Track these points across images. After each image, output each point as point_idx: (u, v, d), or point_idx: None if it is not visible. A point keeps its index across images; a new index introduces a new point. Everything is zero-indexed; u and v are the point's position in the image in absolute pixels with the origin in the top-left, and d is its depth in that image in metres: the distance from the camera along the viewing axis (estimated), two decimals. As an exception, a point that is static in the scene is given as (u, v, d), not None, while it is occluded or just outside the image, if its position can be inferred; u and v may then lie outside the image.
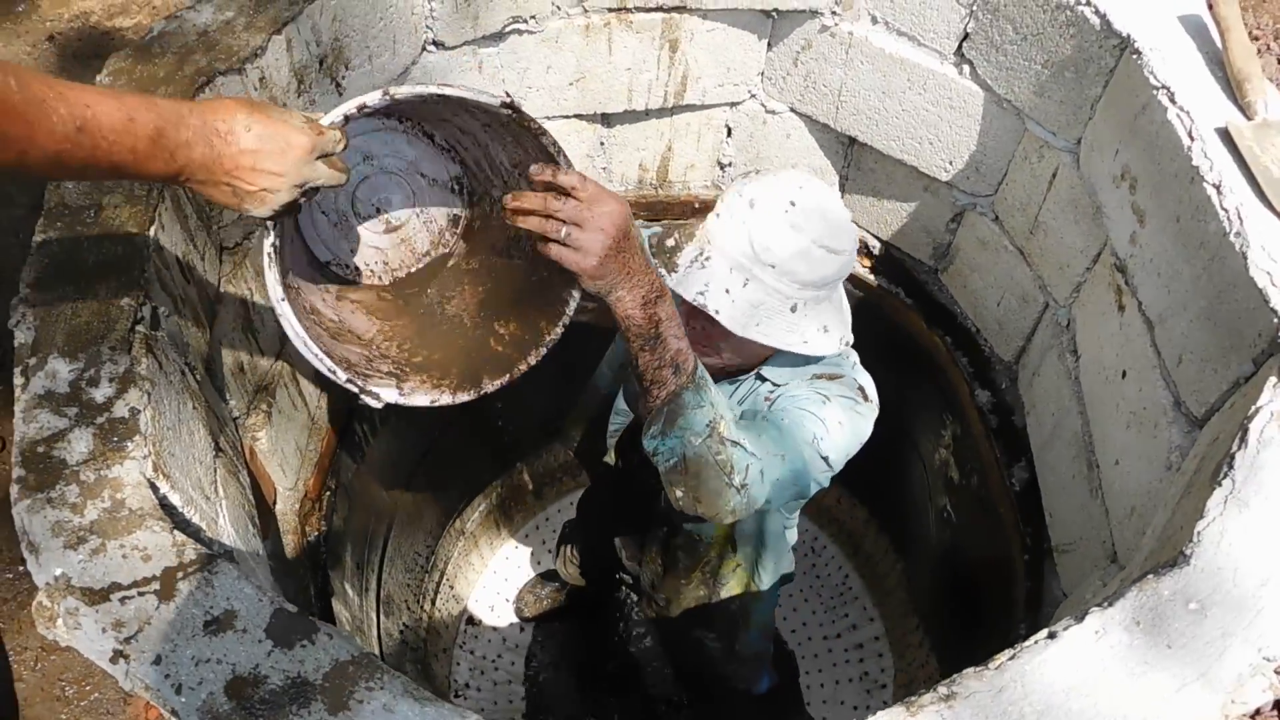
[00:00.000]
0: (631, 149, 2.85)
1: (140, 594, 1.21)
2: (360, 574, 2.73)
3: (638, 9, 2.44)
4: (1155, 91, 1.74)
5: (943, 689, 1.21)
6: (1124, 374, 1.90)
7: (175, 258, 1.63)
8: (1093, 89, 1.97)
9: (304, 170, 1.27)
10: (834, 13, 2.40)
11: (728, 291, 1.63)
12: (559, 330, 1.61)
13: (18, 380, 1.34)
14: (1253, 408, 1.37)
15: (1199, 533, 1.28)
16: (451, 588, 3.47)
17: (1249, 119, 1.68)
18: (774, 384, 1.81)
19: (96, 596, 1.20)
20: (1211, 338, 1.61)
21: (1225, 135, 1.64)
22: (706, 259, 1.66)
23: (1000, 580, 2.51)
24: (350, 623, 2.46)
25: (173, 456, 1.41)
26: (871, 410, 1.81)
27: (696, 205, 2.98)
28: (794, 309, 1.68)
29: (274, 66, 1.83)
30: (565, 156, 1.43)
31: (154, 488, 1.31)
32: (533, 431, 3.59)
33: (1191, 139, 1.65)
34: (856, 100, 2.51)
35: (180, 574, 1.23)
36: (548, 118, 2.64)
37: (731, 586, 2.23)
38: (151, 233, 1.52)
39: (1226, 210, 1.56)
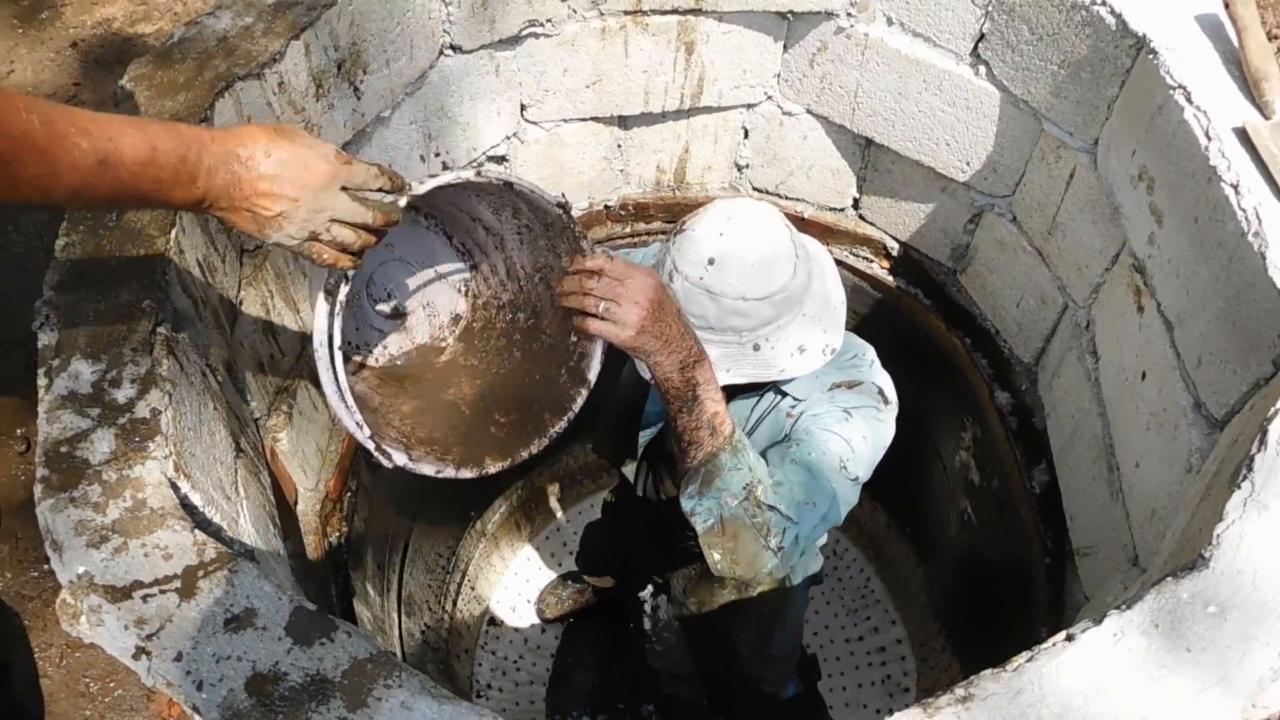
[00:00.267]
0: (649, 151, 2.86)
1: (162, 592, 1.23)
2: (381, 574, 2.75)
3: (653, 11, 2.45)
4: (1172, 91, 1.73)
5: (960, 690, 1.20)
6: (1144, 375, 1.89)
7: (196, 260, 1.65)
8: (1109, 89, 1.96)
9: (321, 197, 1.27)
10: (849, 14, 2.40)
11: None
12: (564, 424, 1.69)
13: (41, 381, 1.36)
14: (1272, 409, 1.36)
15: (1218, 535, 1.27)
16: (473, 589, 3.48)
17: (1266, 118, 1.67)
18: (794, 398, 1.80)
19: (119, 594, 1.22)
20: (1231, 339, 1.60)
21: (1243, 135, 1.63)
22: None
23: (1021, 583, 2.50)
24: (371, 623, 2.48)
25: (193, 457, 1.43)
26: (891, 412, 1.81)
27: (713, 207, 2.98)
28: (756, 348, 1.68)
29: (292, 71, 1.85)
30: (593, 248, 1.51)
31: (175, 487, 1.32)
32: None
33: (1208, 139, 1.64)
34: (873, 101, 2.51)
35: (201, 572, 1.25)
36: (564, 120, 2.66)
37: (763, 588, 2.24)
38: (173, 235, 1.54)
39: (1244, 210, 1.55)
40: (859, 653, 3.46)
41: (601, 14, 2.42)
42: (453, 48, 2.29)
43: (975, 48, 2.23)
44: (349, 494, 2.44)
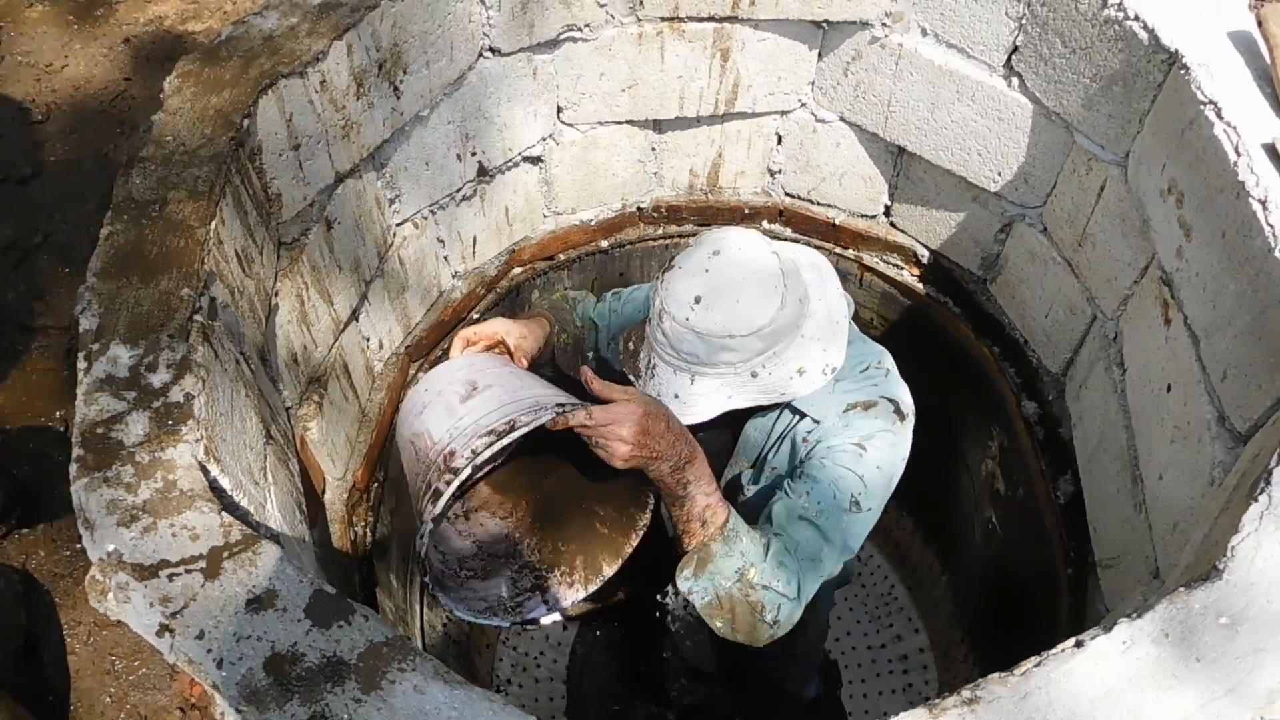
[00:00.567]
0: (682, 155, 2.88)
1: (187, 571, 1.27)
2: (406, 566, 2.79)
3: (690, 18, 2.47)
4: (1203, 106, 1.72)
5: (966, 693, 1.21)
6: (1169, 388, 1.87)
7: (235, 251, 1.70)
8: (1141, 103, 1.96)
9: None
10: (885, 24, 2.41)
11: (677, 396, 1.69)
12: (650, 498, 1.74)
13: (81, 364, 1.42)
14: (1293, 424, 1.35)
15: (1233, 547, 1.27)
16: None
17: (1299, 134, 1.66)
18: (812, 419, 1.81)
19: (146, 573, 1.26)
20: (1256, 353, 1.59)
21: (1272, 151, 1.62)
22: (653, 366, 1.72)
23: (1044, 594, 2.49)
24: (393, 613, 2.52)
25: (224, 441, 1.47)
26: (908, 426, 1.81)
27: (746, 211, 3.00)
28: (754, 375, 1.68)
29: (334, 70, 1.90)
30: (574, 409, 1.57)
31: (205, 470, 1.37)
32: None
33: (1238, 154, 1.63)
34: (906, 111, 2.51)
35: (226, 554, 1.29)
36: (600, 123, 2.69)
37: None
38: (212, 227, 1.59)
39: (1271, 226, 1.54)
40: (881, 660, 3.44)
41: (639, 20, 2.45)
42: (492, 50, 2.33)
43: (1008, 59, 2.23)
44: (376, 485, 2.48)
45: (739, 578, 1.64)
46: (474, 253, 2.72)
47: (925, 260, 2.81)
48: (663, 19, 2.47)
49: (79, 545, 2.17)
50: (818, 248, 2.97)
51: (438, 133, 2.32)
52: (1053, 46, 2.10)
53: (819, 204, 2.92)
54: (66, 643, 2.12)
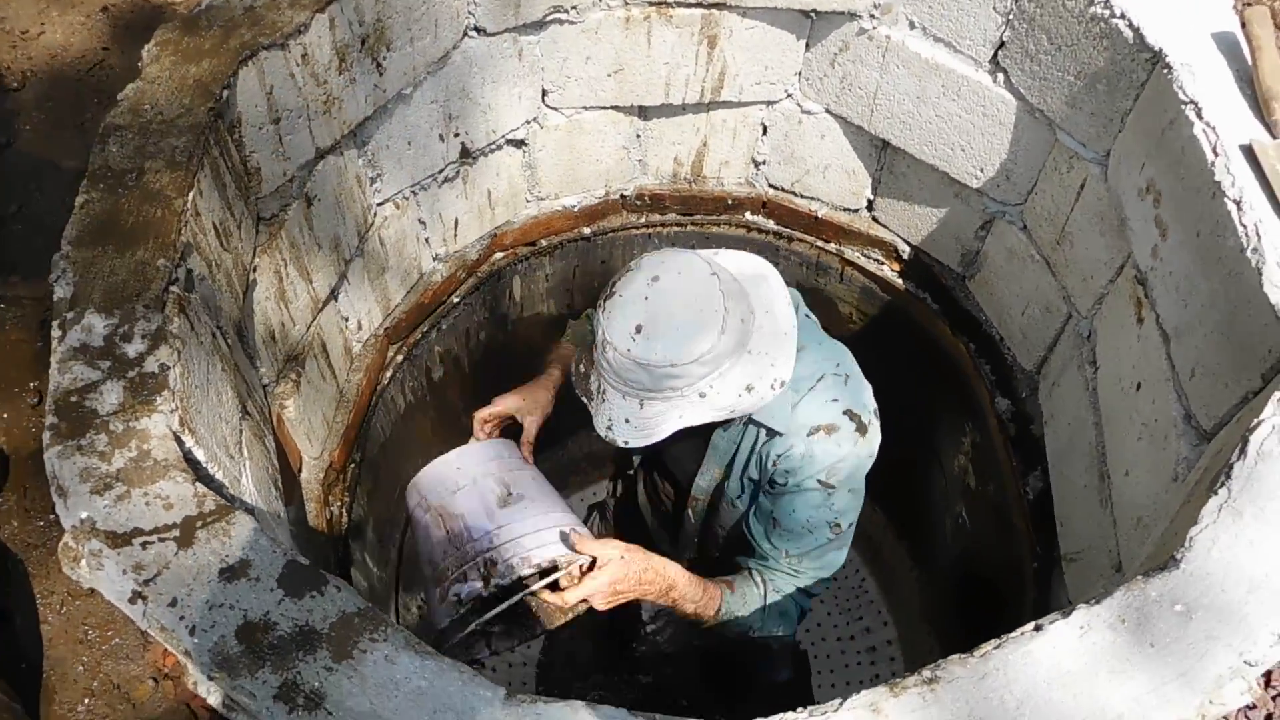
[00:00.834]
0: (667, 143, 2.88)
1: (161, 540, 1.27)
2: (382, 547, 2.79)
3: (678, 4, 2.47)
4: (1184, 106, 1.75)
5: (926, 672, 1.24)
6: (1139, 386, 1.90)
7: (213, 224, 1.70)
8: (1124, 102, 1.98)
9: None
10: (873, 16, 2.42)
11: (628, 421, 1.69)
12: None
13: (55, 333, 1.41)
14: (1255, 420, 1.38)
15: (1191, 538, 1.29)
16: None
17: (1274, 137, 1.68)
18: (771, 430, 1.83)
19: (119, 540, 1.27)
20: (1224, 353, 1.61)
21: (1249, 152, 1.65)
22: (603, 391, 1.71)
23: (1011, 588, 2.52)
24: (367, 593, 2.52)
25: (199, 414, 1.47)
26: (872, 432, 1.84)
27: (729, 202, 3.01)
28: (702, 395, 1.68)
29: (316, 44, 1.89)
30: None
31: (179, 441, 1.37)
32: (560, 418, 3.63)
33: (1216, 154, 1.65)
34: (891, 104, 2.52)
35: (200, 523, 1.29)
36: (585, 108, 2.69)
37: None
38: (190, 198, 1.58)
39: (1245, 226, 1.57)
40: (849, 651, 3.48)
41: (626, 3, 2.45)
42: (477, 29, 2.33)
43: (995, 55, 2.25)
44: (353, 466, 2.48)
45: (743, 634, 1.93)
46: (455, 235, 2.71)
47: (906, 256, 2.83)
48: (650, 3, 2.47)
49: (53, 516, 2.16)
50: (800, 240, 3.00)
51: (421, 112, 2.32)
52: (1039, 43, 2.12)
53: (802, 196, 2.94)
54: (39, 612, 2.11)
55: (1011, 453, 2.55)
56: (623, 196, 2.98)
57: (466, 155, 2.54)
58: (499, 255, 2.90)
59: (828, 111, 2.71)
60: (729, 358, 1.66)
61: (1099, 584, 1.94)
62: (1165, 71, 1.83)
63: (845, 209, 2.90)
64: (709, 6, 2.48)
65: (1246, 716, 1.91)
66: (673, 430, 1.70)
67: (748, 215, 3.03)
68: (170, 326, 1.45)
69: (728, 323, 1.62)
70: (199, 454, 1.42)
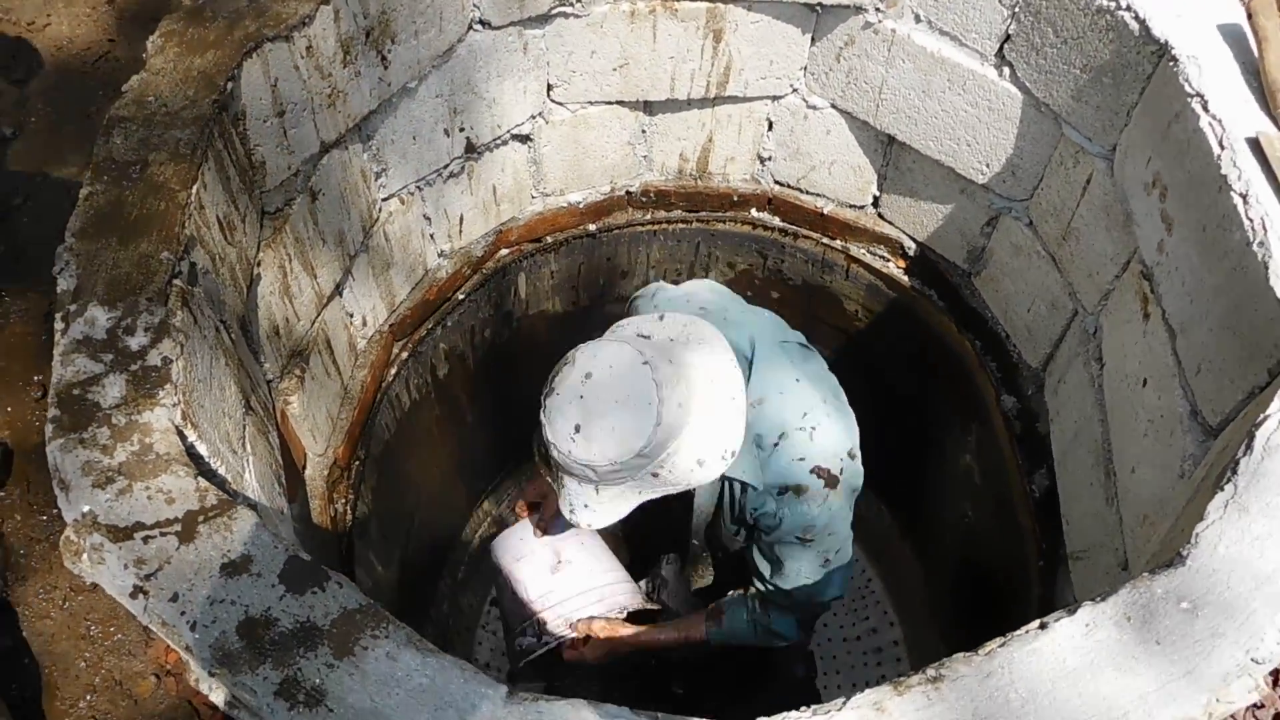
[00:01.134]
0: (672, 138, 2.88)
1: (162, 534, 1.27)
2: (385, 544, 2.79)
3: (683, -2, 2.46)
4: (1190, 99, 1.73)
5: (931, 671, 1.23)
6: (1145, 382, 1.89)
7: (217, 217, 1.69)
8: (1130, 95, 1.97)
9: None
10: (878, 9, 2.41)
11: (587, 506, 1.71)
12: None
13: (58, 325, 1.41)
14: (1261, 415, 1.37)
15: (1197, 534, 1.28)
16: (477, 568, 3.52)
17: (1281, 129, 1.67)
18: (744, 483, 1.85)
19: (120, 534, 1.27)
20: (1230, 348, 1.60)
21: (1255, 145, 1.63)
22: (561, 477, 1.72)
23: (1016, 586, 2.51)
24: (371, 591, 2.52)
25: (202, 408, 1.47)
26: (849, 475, 1.86)
27: (735, 198, 3.00)
28: (654, 475, 1.68)
29: (321, 36, 1.89)
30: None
31: (182, 435, 1.37)
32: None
33: (1222, 147, 1.64)
34: (897, 99, 2.51)
35: (201, 518, 1.29)
36: (590, 103, 2.68)
37: None
38: (194, 191, 1.58)
39: (1251, 220, 1.55)
40: (855, 652, 3.46)
41: (631, -2, 2.45)
42: (482, 23, 2.32)
43: (1001, 49, 2.23)
44: (358, 463, 2.48)
45: (748, 641, 2.12)
46: (460, 232, 2.71)
47: (911, 252, 2.82)
48: (656, -2, 2.46)
49: (55, 510, 2.17)
50: (805, 237, 2.99)
51: (426, 106, 2.31)
52: (1045, 36, 2.10)
53: (808, 192, 2.93)
54: (42, 607, 2.12)
55: (1017, 450, 2.54)
56: (628, 193, 2.97)
57: (472, 150, 2.54)
58: (504, 252, 2.90)
59: (833, 106, 2.70)
60: (672, 441, 1.64)
61: (1105, 582, 1.93)
62: (1171, 64, 1.82)
63: (851, 205, 2.89)
64: (714, 0, 2.47)
65: (1254, 715, 1.90)
66: (633, 508, 1.72)
67: (753, 212, 3.02)
68: (173, 320, 1.44)
69: (664, 413, 1.61)
70: (201, 448, 1.42)
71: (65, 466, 1.31)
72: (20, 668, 2.02)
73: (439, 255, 2.71)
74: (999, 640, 1.25)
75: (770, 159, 2.93)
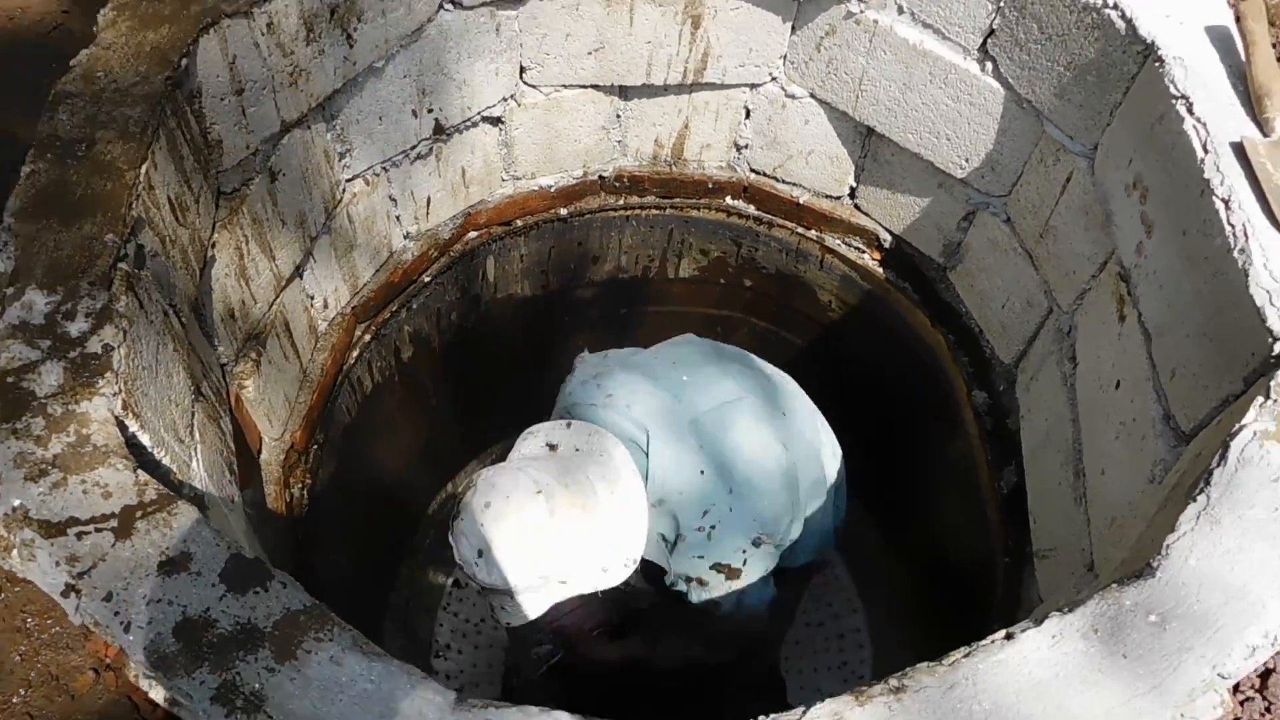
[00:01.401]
0: (648, 124, 2.82)
1: (97, 530, 1.22)
2: (344, 528, 2.73)
3: (660, -19, 2.41)
4: (1174, 101, 1.70)
5: (893, 681, 1.20)
6: (1118, 384, 1.87)
7: (168, 198, 1.63)
8: (1113, 94, 1.93)
9: None
10: (861, 0, 2.36)
11: (504, 609, 1.82)
12: None
13: (-7, 309, 1.35)
14: (1236, 425, 1.34)
15: (1168, 546, 1.26)
16: (440, 551, 3.48)
17: (1265, 135, 1.64)
18: (671, 571, 1.96)
19: (53, 530, 1.21)
20: (1206, 354, 1.58)
21: (1239, 150, 1.60)
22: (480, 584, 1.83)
23: (982, 581, 2.50)
24: (324, 579, 2.47)
25: (146, 396, 1.41)
26: (753, 563, 1.96)
27: (710, 185, 2.95)
28: (564, 583, 1.80)
29: (282, 13, 1.82)
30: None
31: (122, 426, 1.31)
32: (533, 398, 3.58)
33: (1205, 151, 1.61)
34: (877, 90, 2.47)
35: (140, 513, 1.24)
36: (564, 86, 2.62)
37: None
38: (143, 170, 1.51)
39: (1233, 226, 1.53)
40: (818, 638, 3.45)
41: (608, -20, 2.39)
42: (453, 2, 2.25)
43: (984, 43, 2.19)
44: (315, 447, 2.43)
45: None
46: (427, 214, 2.65)
47: (887, 245, 2.79)
48: (633, -20, 2.40)
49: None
50: (780, 226, 2.95)
51: (393, 86, 2.24)
52: (1029, 31, 2.07)
53: (784, 182, 2.88)
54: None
55: (986, 445, 2.52)
56: (601, 178, 2.92)
57: (440, 132, 2.47)
58: (472, 235, 2.84)
59: (812, 96, 2.65)
60: (572, 560, 1.77)
61: (1070, 582, 1.91)
62: (1157, 65, 1.79)
63: (827, 196, 2.85)
64: (693, -15, 2.42)
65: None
66: (551, 605, 1.82)
67: (728, 199, 2.98)
68: (116, 305, 1.38)
69: (559, 539, 1.74)
70: (144, 439, 1.36)
71: (-3, 457, 1.25)
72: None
73: (405, 237, 2.65)
74: (963, 650, 1.22)
75: (747, 147, 2.88)
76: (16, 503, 1.22)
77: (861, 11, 2.38)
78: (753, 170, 2.92)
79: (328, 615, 1.19)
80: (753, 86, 2.72)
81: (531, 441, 1.88)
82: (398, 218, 2.56)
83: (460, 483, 3.54)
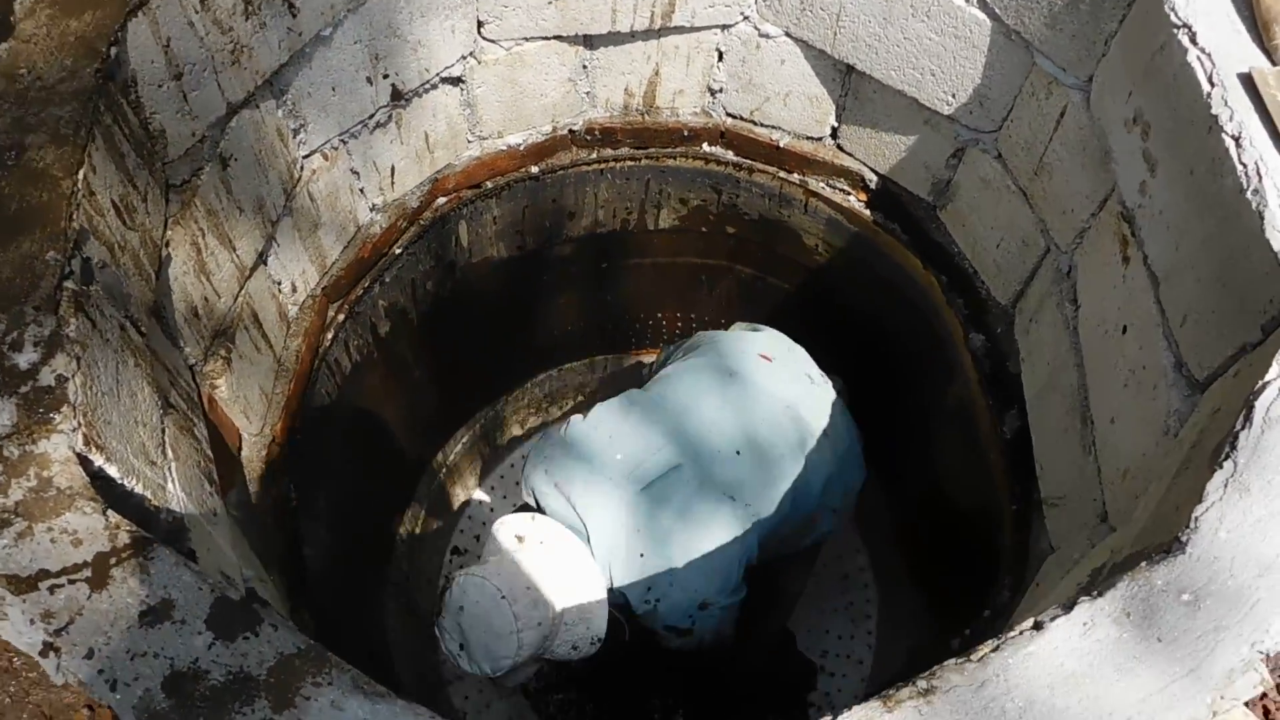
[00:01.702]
0: (616, 73, 2.69)
1: (71, 582, 1.14)
2: (335, 515, 2.67)
3: (621, -78, 2.26)
4: (1175, 30, 1.60)
5: (922, 683, 1.15)
6: (1125, 329, 1.80)
7: (112, 201, 1.51)
8: (1108, 23, 1.83)
9: None
10: (833, -71, 2.23)
11: (493, 673, 2.04)
12: None
13: (-68, 346, 1.25)
14: (1259, 382, 1.28)
15: (1196, 519, 1.21)
16: (436, 520, 3.43)
17: (1274, 64, 1.55)
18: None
19: (24, 585, 1.13)
20: (1219, 300, 1.51)
21: (1248, 81, 1.52)
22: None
23: (987, 524, 2.47)
24: (323, 566, 2.41)
25: (109, 424, 1.32)
26: (711, 613, 2.14)
27: (685, 133, 2.84)
28: (539, 658, 2.09)
29: (219, -14, 1.68)
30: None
31: (86, 462, 1.22)
32: (518, 360, 3.51)
33: (1211, 84, 1.52)
34: (856, 26, 2.35)
35: (114, 559, 1.16)
36: (526, 39, 2.49)
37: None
38: (81, 176, 1.40)
39: (1244, 165, 1.45)
40: (823, 577, 3.45)
41: (564, -77, 2.24)
42: (401, -41, 2.11)
43: (967, -30, 2.08)
44: (299, 437, 2.34)
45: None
46: (393, 183, 2.52)
47: (873, 185, 2.69)
48: (592, -78, 2.26)
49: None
50: (761, 171, 2.85)
51: (344, 54, 2.11)
52: (1013, -41, 1.95)
53: (762, 125, 2.77)
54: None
55: (986, 389, 2.47)
56: (571, 132, 2.80)
57: (398, 97, 2.34)
58: (442, 200, 2.72)
59: (787, 35, 2.52)
60: (541, 646, 2.03)
61: (1083, 533, 1.88)
62: (1154, -11, 1.68)
63: (808, 137, 2.74)
64: (656, -77, 2.28)
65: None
66: (534, 671, 2.18)
67: (705, 146, 2.86)
68: (66, 330, 1.28)
69: (524, 637, 1.99)
70: (111, 471, 1.28)
71: (-47, 509, 1.17)
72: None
73: (371, 210, 2.53)
74: (992, 643, 1.17)
75: (721, 91, 2.76)
76: (-21, 560, 1.13)
77: (836, -58, 2.25)
78: (729, 115, 2.80)
79: (325, 656, 1.12)
80: (724, 27, 2.59)
81: (504, 531, 2.11)
82: (362, 190, 2.44)
83: (450, 451, 3.47)
